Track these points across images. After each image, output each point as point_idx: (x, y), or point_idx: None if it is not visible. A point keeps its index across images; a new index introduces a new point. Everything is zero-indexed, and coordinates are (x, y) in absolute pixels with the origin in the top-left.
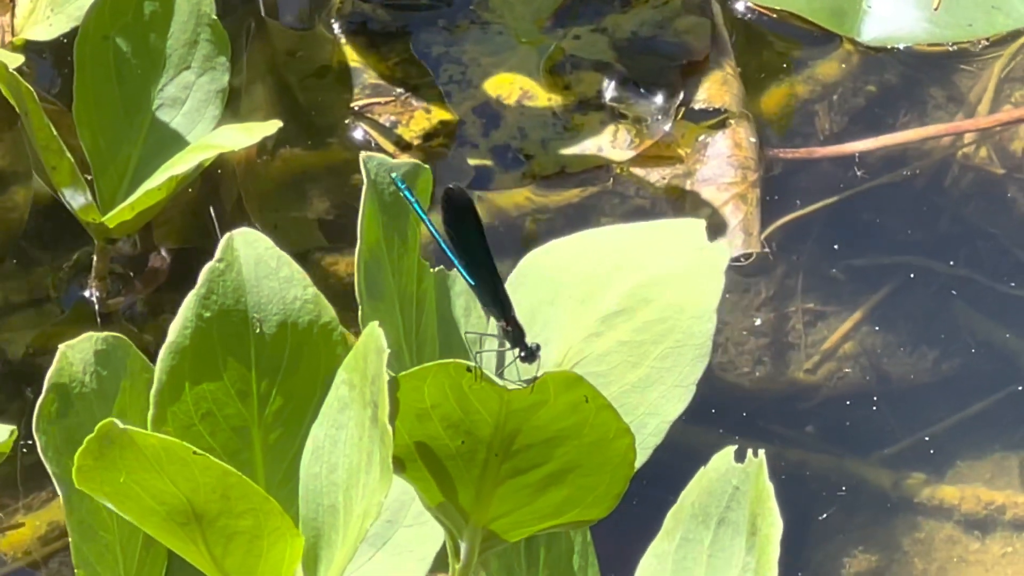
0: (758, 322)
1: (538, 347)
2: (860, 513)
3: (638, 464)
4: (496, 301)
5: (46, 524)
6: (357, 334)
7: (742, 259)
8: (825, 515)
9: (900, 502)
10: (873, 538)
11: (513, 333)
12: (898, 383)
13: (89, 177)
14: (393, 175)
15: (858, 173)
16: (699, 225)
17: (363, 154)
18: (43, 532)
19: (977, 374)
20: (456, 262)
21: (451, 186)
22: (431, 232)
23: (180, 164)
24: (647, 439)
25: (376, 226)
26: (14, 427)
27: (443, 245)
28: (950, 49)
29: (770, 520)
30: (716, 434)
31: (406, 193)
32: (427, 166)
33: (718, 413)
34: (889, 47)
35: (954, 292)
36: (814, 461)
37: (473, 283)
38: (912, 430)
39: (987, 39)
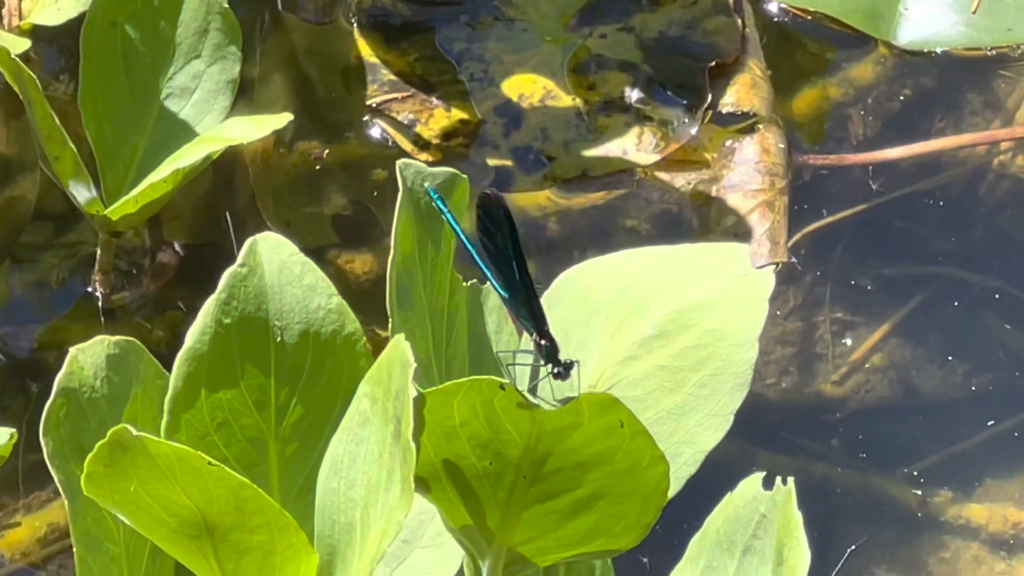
0: (785, 332)
1: (571, 363)
2: (885, 531)
3: (670, 493)
4: (530, 314)
5: (46, 525)
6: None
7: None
8: (849, 532)
9: (926, 520)
10: (897, 557)
11: (546, 348)
12: (927, 397)
13: (95, 168)
14: (427, 185)
15: (889, 181)
16: (742, 250)
17: (400, 161)
18: (42, 534)
19: (1009, 389)
20: (488, 273)
21: (487, 191)
22: (463, 242)
23: (187, 156)
24: (681, 468)
25: (410, 235)
26: (14, 430)
27: (475, 255)
28: (988, 54)
29: (798, 551)
30: (739, 445)
31: (439, 204)
32: (464, 175)
33: (742, 424)
34: (926, 51)
35: (987, 304)
36: (839, 476)
37: (506, 295)
38: (940, 446)
39: None
